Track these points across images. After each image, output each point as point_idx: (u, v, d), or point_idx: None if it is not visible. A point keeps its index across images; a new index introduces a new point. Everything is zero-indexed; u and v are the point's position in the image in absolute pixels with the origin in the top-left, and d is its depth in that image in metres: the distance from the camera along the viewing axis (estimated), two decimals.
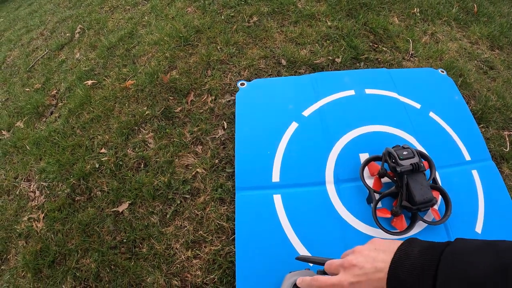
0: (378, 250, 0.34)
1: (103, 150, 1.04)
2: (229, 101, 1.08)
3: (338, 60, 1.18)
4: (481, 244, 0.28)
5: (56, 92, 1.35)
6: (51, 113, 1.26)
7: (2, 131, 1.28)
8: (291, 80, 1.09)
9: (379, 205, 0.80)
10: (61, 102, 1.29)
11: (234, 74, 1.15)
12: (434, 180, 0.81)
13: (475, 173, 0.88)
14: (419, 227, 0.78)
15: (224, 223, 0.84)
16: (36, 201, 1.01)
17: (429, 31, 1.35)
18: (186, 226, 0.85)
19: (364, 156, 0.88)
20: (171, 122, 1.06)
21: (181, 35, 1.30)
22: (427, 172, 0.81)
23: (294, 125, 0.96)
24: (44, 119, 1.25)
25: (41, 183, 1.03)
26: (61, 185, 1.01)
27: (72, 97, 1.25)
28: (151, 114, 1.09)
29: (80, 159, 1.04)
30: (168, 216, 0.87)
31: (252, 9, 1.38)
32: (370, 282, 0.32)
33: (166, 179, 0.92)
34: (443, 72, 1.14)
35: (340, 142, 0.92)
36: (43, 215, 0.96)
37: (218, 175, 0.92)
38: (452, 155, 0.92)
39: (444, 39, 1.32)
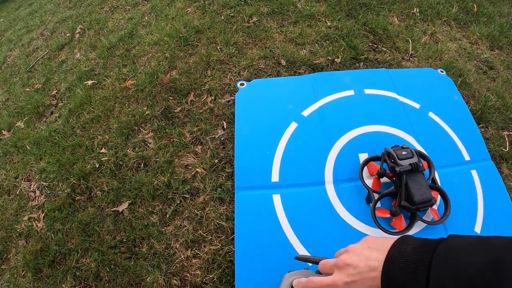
0: (372, 248, 0.34)
1: (103, 150, 1.04)
2: (228, 101, 1.08)
3: (338, 60, 1.18)
4: (474, 240, 0.29)
5: (56, 92, 1.35)
6: (51, 113, 1.26)
7: (3, 131, 1.28)
8: (291, 80, 1.09)
9: (378, 205, 0.80)
10: (61, 102, 1.29)
11: (234, 74, 1.15)
12: (433, 180, 0.81)
13: (474, 173, 0.88)
14: (418, 227, 0.78)
15: (223, 223, 0.84)
16: (36, 201, 1.01)
17: (428, 31, 1.35)
18: (185, 226, 0.85)
19: (363, 156, 0.88)
20: (171, 122, 1.07)
21: (181, 35, 1.30)
22: (426, 172, 0.81)
23: (293, 125, 0.96)
24: (44, 119, 1.26)
25: (41, 183, 1.04)
26: (61, 185, 1.01)
27: (72, 97, 1.26)
28: (151, 114, 1.09)
29: (80, 159, 1.04)
30: (167, 215, 0.87)
31: (252, 9, 1.38)
32: (365, 281, 0.32)
33: (166, 179, 0.92)
34: (442, 72, 1.14)
35: (339, 142, 0.92)
36: (43, 214, 0.96)
37: (218, 175, 0.92)
38: (452, 155, 0.92)
39: (444, 39, 1.32)
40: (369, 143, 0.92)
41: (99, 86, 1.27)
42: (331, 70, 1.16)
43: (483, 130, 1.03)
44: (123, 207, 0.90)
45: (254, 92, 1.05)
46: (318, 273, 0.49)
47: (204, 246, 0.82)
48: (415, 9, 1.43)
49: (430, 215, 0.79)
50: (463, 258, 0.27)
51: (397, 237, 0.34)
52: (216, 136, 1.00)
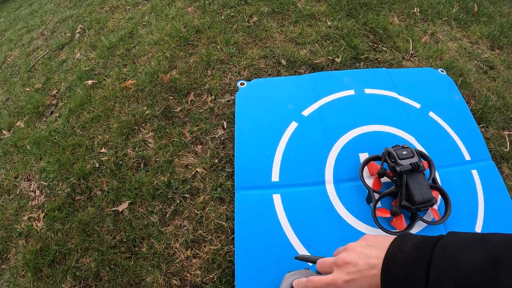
0: (371, 246, 0.34)
1: (103, 150, 1.04)
2: (228, 100, 1.08)
3: (338, 60, 1.18)
4: (473, 237, 0.28)
5: (56, 92, 1.35)
6: (52, 113, 1.26)
7: (3, 130, 1.28)
8: (291, 80, 1.09)
9: (379, 204, 0.79)
10: (62, 102, 1.29)
11: (234, 74, 1.15)
12: (434, 180, 0.81)
13: (475, 173, 0.88)
14: (418, 227, 0.78)
15: (223, 223, 0.84)
16: (36, 201, 1.01)
17: (429, 31, 1.35)
18: (185, 226, 0.85)
19: (363, 156, 0.88)
20: (171, 121, 1.07)
21: (181, 35, 1.30)
22: (427, 171, 0.81)
23: (293, 125, 0.96)
24: (45, 118, 1.26)
25: (41, 182, 1.04)
26: (61, 185, 1.01)
27: (73, 97, 1.26)
28: (151, 114, 1.09)
29: (80, 159, 1.04)
30: (167, 215, 0.87)
31: (252, 9, 1.38)
32: (365, 279, 0.32)
33: (166, 179, 0.92)
34: (443, 72, 1.14)
35: (339, 141, 0.92)
36: (43, 214, 0.96)
37: (218, 175, 0.92)
38: (452, 155, 0.92)
39: (444, 39, 1.32)
40: (369, 142, 0.92)
41: (99, 86, 1.26)
42: (331, 70, 1.16)
43: (483, 130, 1.03)
44: (123, 207, 0.90)
45: (254, 92, 1.05)
46: (318, 273, 0.49)
47: (204, 246, 0.81)
48: (415, 8, 1.43)
49: (430, 215, 0.79)
50: (462, 255, 0.27)
51: (396, 235, 0.34)
52: (216, 136, 1.00)
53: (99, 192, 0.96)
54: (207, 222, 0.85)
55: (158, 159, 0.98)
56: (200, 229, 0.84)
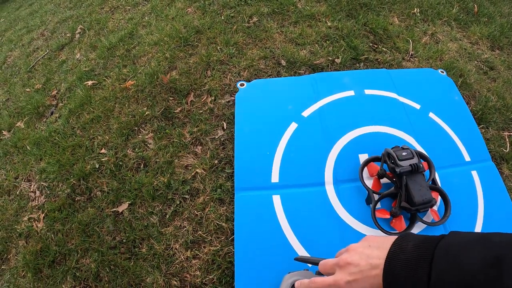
0: (372, 247, 0.34)
1: (103, 151, 1.04)
2: (228, 101, 1.08)
3: (338, 60, 1.18)
4: (475, 237, 0.28)
5: (56, 93, 1.35)
6: (52, 114, 1.27)
7: (3, 131, 1.28)
8: (291, 81, 1.09)
9: (378, 205, 0.79)
10: (62, 103, 1.29)
11: (234, 75, 1.15)
12: (434, 181, 0.81)
13: (474, 174, 0.88)
14: (418, 227, 0.78)
15: (223, 224, 0.84)
16: (36, 201, 1.01)
17: (429, 31, 1.35)
18: (185, 227, 0.85)
19: (363, 157, 0.88)
20: (171, 122, 1.07)
21: (181, 35, 1.30)
22: (427, 172, 0.81)
23: (293, 126, 0.96)
24: (45, 119, 1.26)
25: (42, 183, 1.04)
26: (61, 185, 1.01)
27: (73, 98, 1.26)
28: (151, 115, 1.09)
29: (80, 160, 1.04)
30: (167, 216, 0.87)
31: (252, 10, 1.38)
32: (367, 279, 0.32)
33: (165, 180, 0.92)
34: (443, 72, 1.14)
35: (339, 142, 0.92)
36: (43, 215, 0.96)
37: (218, 176, 0.92)
38: (452, 156, 0.92)
39: (444, 40, 1.32)
40: (369, 143, 0.92)
41: (99, 87, 1.27)
42: (331, 71, 1.16)
43: (483, 130, 1.03)
44: (123, 207, 0.90)
45: (254, 93, 1.05)
46: (318, 274, 0.49)
47: (204, 247, 0.82)
48: (415, 9, 1.43)
49: (430, 216, 0.79)
50: (464, 255, 0.26)
51: (397, 235, 0.34)
52: (216, 137, 1.00)
53: (99, 193, 0.96)
54: (207, 223, 0.85)
55: (158, 160, 0.98)
56: (200, 230, 0.84)
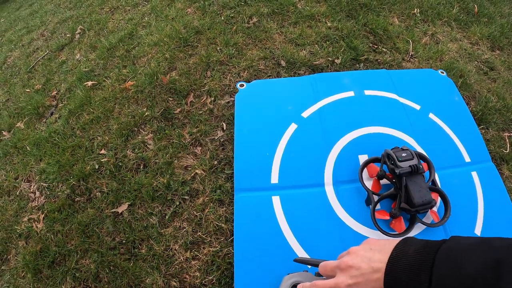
0: (374, 250, 0.34)
1: (102, 151, 1.04)
2: (228, 102, 1.08)
3: (338, 61, 1.18)
4: (475, 241, 0.29)
5: (56, 93, 1.35)
6: (51, 114, 1.27)
7: (3, 131, 1.29)
8: (291, 81, 1.09)
9: (378, 207, 0.79)
10: (61, 103, 1.29)
11: (234, 75, 1.15)
12: (433, 182, 0.81)
13: (474, 174, 0.88)
14: (418, 229, 0.78)
15: (222, 225, 0.84)
16: (36, 202, 1.01)
17: (429, 31, 1.34)
18: (185, 227, 0.85)
19: (363, 158, 0.88)
20: (170, 123, 1.07)
21: (180, 36, 1.30)
22: (426, 173, 0.81)
23: (293, 126, 0.96)
24: (44, 120, 1.26)
25: (41, 183, 1.04)
26: (61, 186, 1.01)
27: (72, 98, 1.26)
28: (151, 115, 1.09)
29: (80, 160, 1.04)
30: (167, 217, 0.87)
31: (252, 10, 1.38)
32: (368, 283, 0.32)
33: (165, 180, 0.92)
34: (443, 73, 1.14)
35: (339, 143, 0.92)
36: (43, 215, 0.96)
37: (217, 177, 0.92)
38: (452, 157, 0.92)
39: (444, 40, 1.32)
40: (369, 144, 0.91)
41: (99, 87, 1.27)
42: (331, 71, 1.15)
43: (483, 131, 1.03)
44: (123, 208, 0.90)
45: (254, 93, 1.05)
46: (318, 275, 0.49)
47: (203, 248, 0.82)
48: (415, 9, 1.42)
49: (430, 217, 0.79)
50: (465, 259, 0.27)
51: (399, 239, 0.34)
52: (216, 137, 1.00)
53: (99, 193, 0.96)
54: (206, 224, 0.85)
55: (157, 160, 0.98)
56: (199, 231, 0.84)
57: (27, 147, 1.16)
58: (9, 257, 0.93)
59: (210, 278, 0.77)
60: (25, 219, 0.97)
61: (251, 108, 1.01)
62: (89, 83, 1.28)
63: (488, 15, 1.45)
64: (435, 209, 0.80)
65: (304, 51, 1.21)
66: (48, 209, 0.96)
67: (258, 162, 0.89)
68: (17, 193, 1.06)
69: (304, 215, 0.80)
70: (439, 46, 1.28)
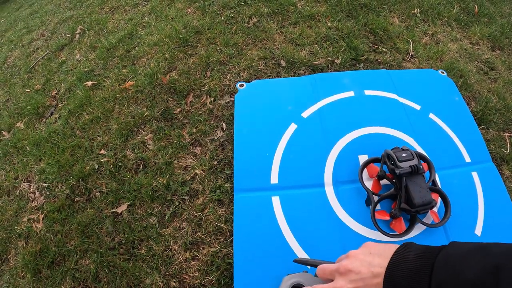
0: (374, 254, 0.34)
1: (102, 151, 1.04)
2: (228, 102, 1.08)
3: (338, 61, 1.17)
4: (474, 247, 0.29)
5: (56, 93, 1.35)
6: (51, 114, 1.27)
7: (3, 131, 1.28)
8: (290, 81, 1.09)
9: (378, 207, 0.79)
10: (61, 103, 1.29)
11: (234, 75, 1.15)
12: (434, 182, 0.81)
13: (475, 175, 0.88)
14: (418, 229, 0.77)
15: (222, 225, 0.84)
16: (36, 202, 1.01)
17: (429, 31, 1.34)
18: (184, 228, 0.85)
19: (363, 158, 0.88)
20: (170, 123, 1.07)
21: (180, 36, 1.30)
22: (427, 174, 0.81)
23: (293, 127, 0.96)
24: (44, 120, 1.26)
25: (41, 184, 1.04)
26: (61, 186, 1.01)
27: (72, 98, 1.26)
28: (150, 115, 1.09)
29: (79, 160, 1.04)
30: (166, 217, 0.87)
31: (252, 10, 1.38)
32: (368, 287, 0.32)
33: (165, 181, 0.92)
34: (443, 73, 1.14)
35: (339, 143, 0.92)
36: (42, 216, 0.96)
37: (217, 177, 0.92)
38: (452, 157, 0.91)
39: (445, 40, 1.32)
40: (369, 144, 0.91)
41: (99, 87, 1.26)
42: (331, 71, 1.15)
43: (484, 131, 1.03)
44: (122, 208, 0.90)
45: (254, 93, 1.05)
46: (318, 276, 0.48)
47: (203, 248, 0.81)
48: (415, 9, 1.42)
49: (430, 217, 0.79)
50: (463, 265, 0.27)
51: (397, 243, 0.34)
52: (215, 138, 1.00)
53: (98, 193, 0.96)
54: (206, 224, 0.85)
55: (157, 160, 0.98)
56: (199, 231, 0.84)
57: (27, 147, 1.15)
58: (8, 257, 0.93)
59: (210, 278, 0.77)
60: (25, 219, 0.97)
61: (251, 108, 1.01)
62: (89, 83, 1.28)
63: (488, 15, 1.45)
64: (435, 209, 0.80)
65: (304, 51, 1.21)
66: (48, 209, 0.96)
67: (258, 162, 0.88)
68: (17, 193, 1.05)
69: (304, 216, 0.80)
70: (440, 46, 1.28)
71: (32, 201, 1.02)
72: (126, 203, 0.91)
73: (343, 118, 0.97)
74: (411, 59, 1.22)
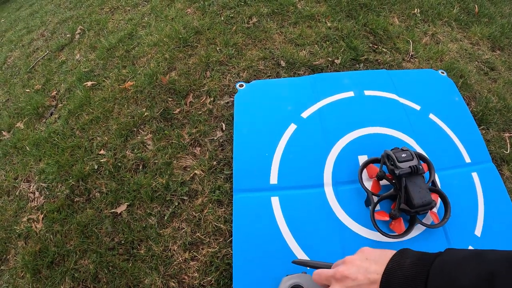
0: (370, 260, 0.34)
1: (102, 152, 1.04)
2: (227, 102, 1.08)
3: (338, 61, 1.17)
4: (469, 254, 0.29)
5: (56, 93, 1.35)
6: (51, 114, 1.27)
7: (3, 131, 1.29)
8: (290, 82, 1.08)
9: (378, 207, 0.79)
10: (61, 103, 1.29)
11: (233, 76, 1.15)
12: (433, 183, 0.81)
13: (475, 175, 0.88)
14: (417, 230, 0.77)
15: (221, 225, 0.84)
16: (35, 202, 1.01)
17: (429, 31, 1.34)
18: (183, 228, 0.85)
19: (362, 158, 0.88)
20: (169, 123, 1.07)
21: (180, 36, 1.30)
22: (426, 174, 0.81)
23: (292, 127, 0.96)
24: (44, 120, 1.26)
25: (41, 184, 1.04)
26: (60, 186, 1.01)
27: (72, 98, 1.26)
28: (150, 116, 1.09)
29: (79, 160, 1.04)
30: (166, 217, 0.87)
31: (252, 10, 1.38)
32: None
33: (164, 181, 0.92)
34: (443, 73, 1.14)
35: (338, 144, 0.92)
36: (42, 216, 0.96)
37: (216, 177, 0.92)
38: (452, 157, 0.91)
39: (445, 40, 1.31)
40: (368, 145, 0.91)
41: (99, 87, 1.27)
42: (331, 71, 1.15)
43: (484, 132, 1.02)
44: (122, 209, 0.90)
45: (253, 94, 1.05)
46: None
47: (202, 249, 0.81)
48: (415, 9, 1.42)
49: (430, 218, 0.78)
50: (459, 272, 0.27)
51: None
52: (215, 138, 1.00)
53: (98, 194, 0.96)
54: (205, 224, 0.84)
55: (156, 161, 0.98)
56: (198, 232, 0.84)
57: (27, 147, 1.16)
58: (8, 257, 0.93)
59: (209, 279, 0.77)
60: (25, 219, 0.97)
61: (250, 109, 1.01)
62: (89, 83, 1.28)
63: (488, 15, 1.45)
64: (435, 210, 0.80)
65: (304, 51, 1.21)
66: (47, 209, 0.96)
67: (257, 163, 0.88)
68: (17, 193, 1.06)
69: (303, 216, 0.80)
70: (440, 46, 1.28)
71: (32, 201, 1.02)
72: (126, 203, 0.91)
73: (342, 119, 0.97)
74: (411, 59, 1.22)
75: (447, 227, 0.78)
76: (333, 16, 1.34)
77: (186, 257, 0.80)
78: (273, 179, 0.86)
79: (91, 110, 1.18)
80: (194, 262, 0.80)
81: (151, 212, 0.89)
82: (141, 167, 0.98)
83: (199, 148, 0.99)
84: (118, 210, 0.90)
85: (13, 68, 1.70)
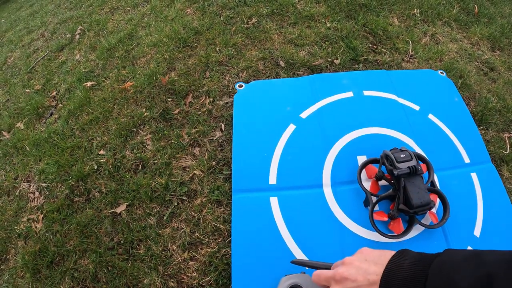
0: (369, 261, 0.34)
1: (101, 152, 1.05)
2: (227, 103, 1.08)
3: (337, 61, 1.17)
4: (468, 254, 0.29)
5: (56, 94, 1.36)
6: (51, 114, 1.27)
7: (3, 132, 1.29)
8: (289, 82, 1.09)
9: (376, 208, 0.79)
10: (61, 104, 1.30)
11: (233, 76, 1.15)
12: (432, 183, 0.81)
13: (474, 176, 0.88)
14: (416, 230, 0.77)
15: (220, 225, 0.84)
16: (35, 202, 1.02)
17: (429, 32, 1.34)
18: (183, 228, 0.85)
19: (361, 159, 0.88)
20: (169, 123, 1.07)
21: (180, 36, 1.30)
22: (425, 175, 0.81)
23: (291, 127, 0.96)
24: (44, 120, 1.26)
25: (41, 184, 1.04)
26: (60, 186, 1.01)
27: (72, 99, 1.26)
28: (150, 116, 1.09)
29: (79, 161, 1.04)
30: (165, 217, 0.87)
31: (251, 10, 1.38)
32: None
33: (163, 181, 0.92)
34: (442, 73, 1.14)
35: (337, 144, 0.92)
36: (42, 216, 0.96)
37: (215, 177, 0.92)
38: (451, 158, 0.91)
39: (444, 40, 1.31)
40: (367, 145, 0.91)
41: (98, 88, 1.27)
42: (330, 72, 1.15)
43: (483, 132, 1.02)
44: (121, 209, 0.91)
45: (253, 94, 1.05)
46: None
47: (201, 249, 0.82)
48: (415, 9, 1.42)
49: (428, 218, 0.78)
50: (457, 273, 0.27)
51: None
52: (214, 138, 1.00)
53: (98, 194, 0.96)
54: (204, 224, 0.85)
55: (156, 161, 0.98)
56: (197, 232, 0.84)
57: (27, 148, 1.16)
58: (8, 257, 0.94)
59: (208, 279, 0.77)
60: (24, 219, 0.98)
61: (249, 109, 1.01)
62: (89, 83, 1.28)
63: (488, 16, 1.45)
64: (434, 210, 0.80)
65: (303, 52, 1.21)
66: (47, 209, 0.96)
67: (256, 163, 0.89)
68: (17, 193, 1.06)
69: (302, 216, 0.80)
70: (439, 46, 1.28)
71: (32, 201, 1.02)
72: (125, 203, 0.91)
73: (342, 119, 0.97)
74: (411, 60, 1.22)
75: (446, 228, 0.78)
76: (332, 17, 1.34)
77: (185, 257, 0.81)
78: (272, 179, 0.86)
79: (90, 111, 1.18)
80: (193, 262, 0.80)
81: (151, 212, 0.89)
82: (140, 167, 0.98)
83: (199, 149, 0.99)
84: (118, 210, 0.91)
85: (13, 68, 1.70)
